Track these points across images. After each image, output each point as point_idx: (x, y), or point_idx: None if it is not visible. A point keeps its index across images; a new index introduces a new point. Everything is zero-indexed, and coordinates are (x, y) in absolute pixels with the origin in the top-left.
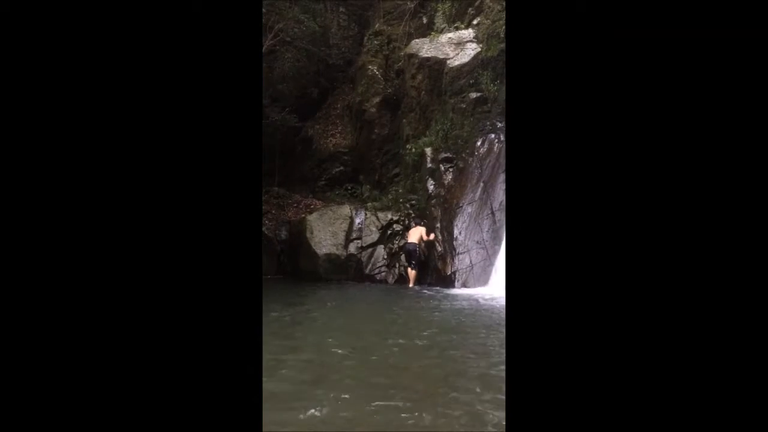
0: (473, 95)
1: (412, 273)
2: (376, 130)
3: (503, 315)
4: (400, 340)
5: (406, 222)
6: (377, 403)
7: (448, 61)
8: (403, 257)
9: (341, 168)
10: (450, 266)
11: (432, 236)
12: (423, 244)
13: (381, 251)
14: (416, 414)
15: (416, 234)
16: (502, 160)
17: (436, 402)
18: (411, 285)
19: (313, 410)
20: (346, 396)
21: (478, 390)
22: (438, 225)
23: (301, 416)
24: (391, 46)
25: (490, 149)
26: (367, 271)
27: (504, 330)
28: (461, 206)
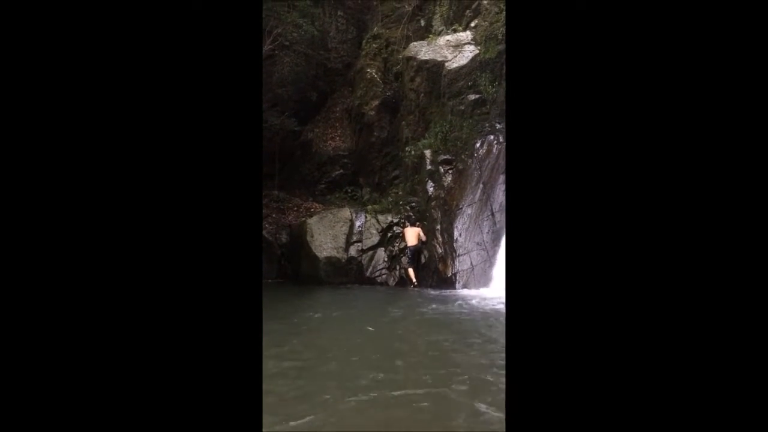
0: (472, 97)
1: (413, 272)
2: (375, 133)
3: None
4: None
5: (405, 224)
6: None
7: (447, 64)
8: (404, 260)
9: (341, 171)
10: (451, 268)
11: (424, 238)
12: (422, 245)
13: (381, 254)
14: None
15: (413, 235)
16: (502, 162)
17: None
18: (416, 282)
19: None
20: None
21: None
22: (438, 227)
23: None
24: (390, 49)
25: (489, 151)
26: (368, 273)
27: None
28: (461, 208)
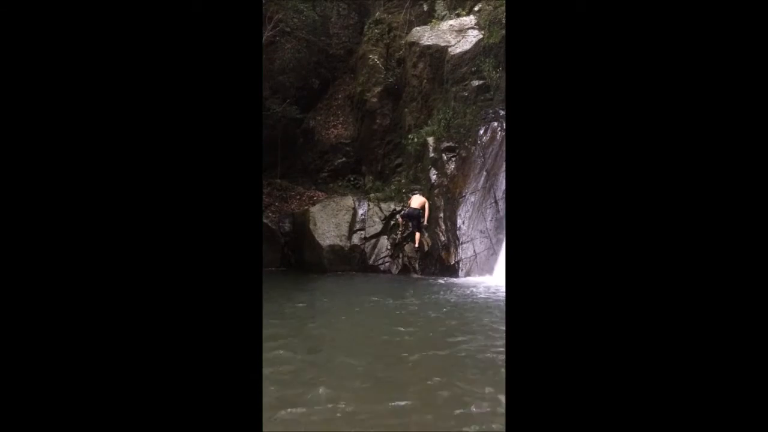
0: (475, 83)
1: (418, 235)
2: (377, 120)
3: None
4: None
5: (414, 193)
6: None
7: (450, 49)
8: (399, 219)
9: (343, 159)
10: (454, 256)
11: (428, 210)
12: (425, 211)
13: (384, 242)
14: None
15: (418, 202)
16: (505, 149)
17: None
18: (417, 245)
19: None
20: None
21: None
22: (441, 215)
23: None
24: (392, 34)
25: (492, 138)
26: (371, 261)
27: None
28: (464, 195)
